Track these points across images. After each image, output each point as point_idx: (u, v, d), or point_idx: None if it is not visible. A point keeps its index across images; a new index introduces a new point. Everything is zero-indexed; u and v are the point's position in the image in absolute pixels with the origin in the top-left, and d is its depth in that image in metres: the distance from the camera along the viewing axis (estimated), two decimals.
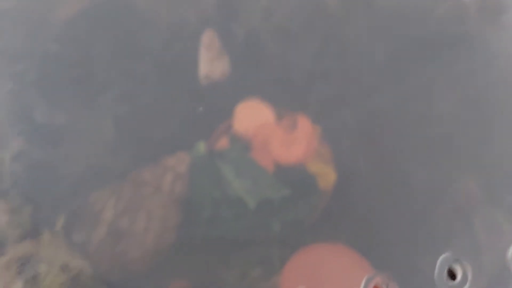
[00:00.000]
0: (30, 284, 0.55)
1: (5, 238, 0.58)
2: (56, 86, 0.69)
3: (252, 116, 0.76)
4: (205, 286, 0.65)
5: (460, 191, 0.73)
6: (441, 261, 0.67)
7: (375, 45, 0.79)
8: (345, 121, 0.78)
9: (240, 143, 0.73)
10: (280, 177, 0.70)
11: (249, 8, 0.80)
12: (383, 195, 0.74)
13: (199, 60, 0.78)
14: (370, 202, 0.73)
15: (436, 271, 0.66)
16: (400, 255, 0.68)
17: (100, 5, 0.73)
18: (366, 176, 0.75)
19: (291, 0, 0.80)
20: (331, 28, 0.79)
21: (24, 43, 0.69)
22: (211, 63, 0.79)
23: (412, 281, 0.66)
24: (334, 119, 0.77)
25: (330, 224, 0.71)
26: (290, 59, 0.80)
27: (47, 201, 0.63)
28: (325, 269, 0.68)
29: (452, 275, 0.67)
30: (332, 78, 0.79)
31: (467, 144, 0.76)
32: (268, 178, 0.69)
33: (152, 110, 0.74)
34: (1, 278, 0.55)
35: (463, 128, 0.76)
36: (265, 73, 0.79)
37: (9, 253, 0.57)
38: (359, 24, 0.79)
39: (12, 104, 0.66)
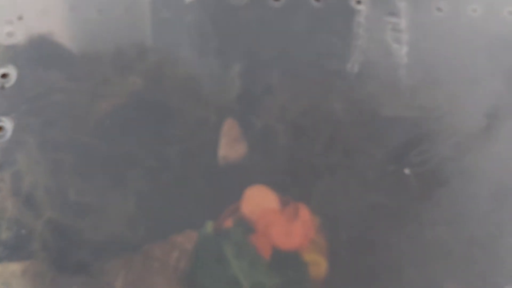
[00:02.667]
0: None
1: None
2: (89, 170, 0.81)
3: (258, 201, 0.84)
4: None
5: None
6: None
7: (376, 148, 0.87)
8: (343, 215, 0.84)
9: (243, 225, 0.81)
10: (275, 261, 0.77)
11: (267, 104, 0.91)
12: None
13: (219, 142, 0.88)
14: None
15: None
16: None
17: (134, 101, 0.87)
18: (358, 270, 0.80)
19: (304, 102, 0.90)
20: (337, 129, 0.88)
21: (66, 134, 0.83)
22: (230, 146, 0.89)
23: None
24: (333, 212, 0.84)
25: None
26: (299, 152, 0.88)
27: (67, 267, 0.74)
28: None
29: None
30: (335, 173, 0.87)
31: (457, 249, 0.80)
32: (263, 265, 0.76)
33: (171, 189, 0.84)
34: None
35: (454, 234, 0.81)
36: (275, 163, 0.88)
37: None
38: (363, 128, 0.88)
39: (50, 183, 0.79)
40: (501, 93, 0.91)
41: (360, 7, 0.99)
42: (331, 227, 0.82)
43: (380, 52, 0.95)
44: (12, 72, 0.91)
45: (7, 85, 0.89)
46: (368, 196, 0.85)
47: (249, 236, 0.79)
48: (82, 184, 0.79)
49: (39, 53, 0.92)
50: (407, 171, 0.85)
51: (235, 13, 0.99)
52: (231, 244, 0.78)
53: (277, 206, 0.83)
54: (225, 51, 0.94)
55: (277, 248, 0.79)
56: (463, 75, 0.92)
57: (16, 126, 0.85)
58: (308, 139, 0.88)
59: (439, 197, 0.85)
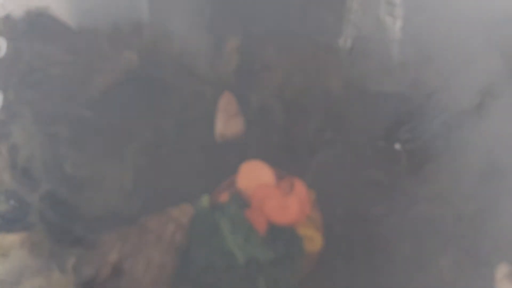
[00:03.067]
0: None
1: (22, 269, 0.68)
2: (86, 142, 0.81)
3: (254, 176, 0.83)
4: None
5: (436, 268, 0.79)
6: None
7: (369, 124, 0.87)
8: (339, 190, 0.85)
9: (239, 200, 0.81)
10: (270, 235, 0.78)
11: (265, 81, 0.90)
12: (367, 265, 0.80)
13: (216, 119, 0.88)
14: (353, 271, 0.80)
15: None
16: None
17: (131, 77, 0.86)
18: (352, 245, 0.81)
19: (302, 80, 0.90)
20: (333, 107, 0.88)
21: (62, 107, 0.82)
22: (226, 123, 0.88)
23: None
24: (329, 187, 0.85)
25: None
26: (296, 129, 0.89)
27: (64, 239, 0.73)
28: None
29: None
30: (331, 149, 0.87)
31: (447, 226, 0.82)
32: (258, 239, 0.76)
33: (168, 163, 0.84)
34: None
35: (445, 209, 0.83)
36: (272, 139, 0.88)
37: (23, 285, 0.67)
38: (357, 104, 0.88)
39: (46, 156, 0.78)
40: (496, 70, 0.91)
41: None
42: (325, 202, 0.83)
43: (374, 26, 0.95)
44: (2, 44, 0.89)
45: None
46: (361, 171, 0.85)
47: (245, 211, 0.79)
48: (79, 157, 0.78)
49: (30, 25, 0.90)
50: (397, 146, 0.86)
51: None
52: (226, 218, 0.78)
53: (272, 181, 0.83)
54: (220, 26, 0.94)
55: (272, 222, 0.79)
56: (457, 51, 0.92)
57: (6, 98, 0.84)
58: (302, 114, 0.89)
59: (430, 173, 0.86)
